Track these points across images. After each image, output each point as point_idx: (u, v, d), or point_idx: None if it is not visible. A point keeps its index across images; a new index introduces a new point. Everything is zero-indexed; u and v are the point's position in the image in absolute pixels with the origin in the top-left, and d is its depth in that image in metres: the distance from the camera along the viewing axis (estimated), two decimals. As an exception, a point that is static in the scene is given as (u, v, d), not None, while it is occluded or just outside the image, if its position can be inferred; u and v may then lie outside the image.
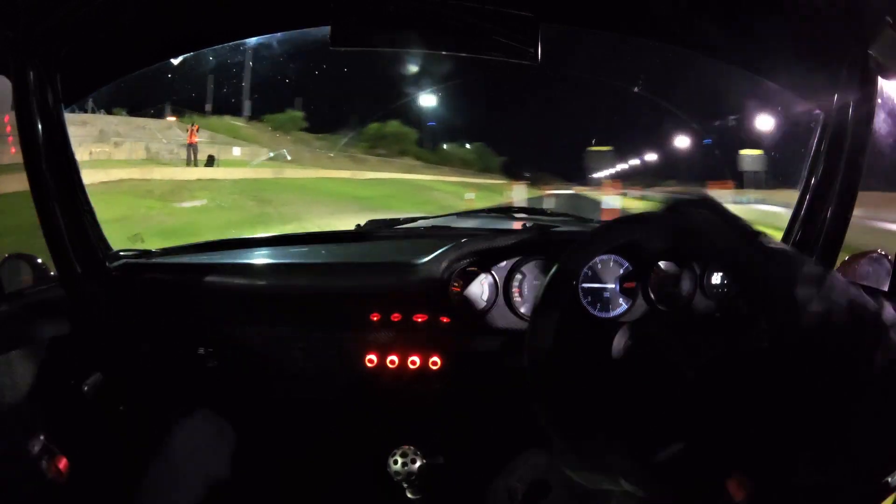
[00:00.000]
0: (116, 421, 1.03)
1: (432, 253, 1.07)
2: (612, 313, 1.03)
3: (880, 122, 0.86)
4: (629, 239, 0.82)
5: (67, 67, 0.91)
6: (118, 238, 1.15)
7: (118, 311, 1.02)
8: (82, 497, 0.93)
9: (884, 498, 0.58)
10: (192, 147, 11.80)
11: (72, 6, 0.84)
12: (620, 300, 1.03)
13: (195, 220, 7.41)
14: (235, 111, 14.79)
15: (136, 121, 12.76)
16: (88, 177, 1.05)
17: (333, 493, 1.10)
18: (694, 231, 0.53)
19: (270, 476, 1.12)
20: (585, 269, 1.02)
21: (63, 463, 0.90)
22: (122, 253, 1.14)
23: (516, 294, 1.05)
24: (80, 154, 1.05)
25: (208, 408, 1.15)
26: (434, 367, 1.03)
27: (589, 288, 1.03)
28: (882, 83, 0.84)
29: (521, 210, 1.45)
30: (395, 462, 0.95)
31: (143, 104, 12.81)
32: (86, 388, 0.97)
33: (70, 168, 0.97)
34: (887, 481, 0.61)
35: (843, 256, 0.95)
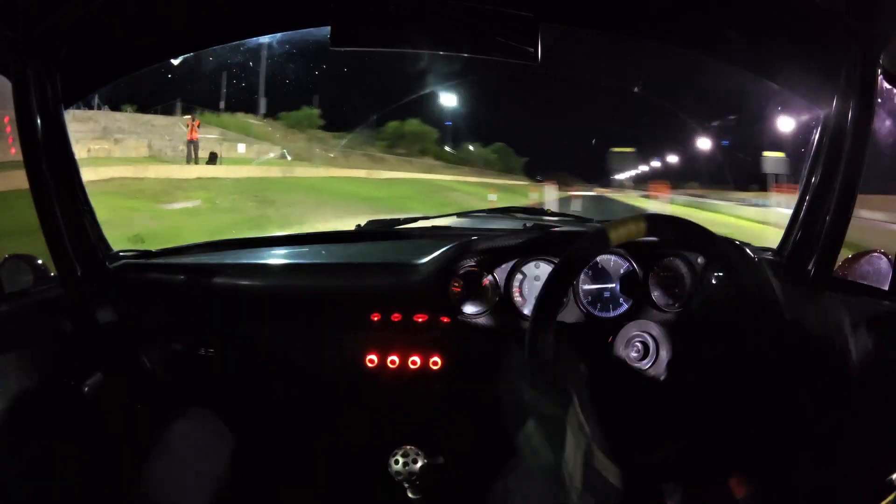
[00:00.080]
0: (116, 421, 1.03)
1: (433, 253, 1.07)
2: (613, 313, 1.03)
3: (880, 122, 0.86)
4: (629, 239, 0.82)
5: (67, 67, 0.91)
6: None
7: (118, 311, 1.02)
8: (82, 497, 0.93)
9: (884, 497, 0.59)
10: (192, 144, 11.32)
11: (72, 6, 0.84)
12: (621, 300, 1.03)
13: (181, 224, 6.87)
14: (250, 108, 14.51)
15: (144, 118, 12.40)
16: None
17: (334, 493, 1.10)
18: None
19: (271, 476, 1.12)
20: (586, 269, 1.02)
21: (63, 463, 0.90)
22: (122, 253, 1.14)
23: (517, 294, 1.05)
24: (78, 151, 1.04)
25: (209, 408, 1.15)
26: (434, 367, 1.03)
27: (589, 288, 1.03)
28: (882, 83, 0.84)
29: (521, 210, 1.45)
30: (396, 462, 0.95)
31: (154, 101, 12.52)
32: (86, 389, 0.97)
33: (70, 168, 0.97)
34: (888, 480, 0.61)
35: (845, 255, 0.95)
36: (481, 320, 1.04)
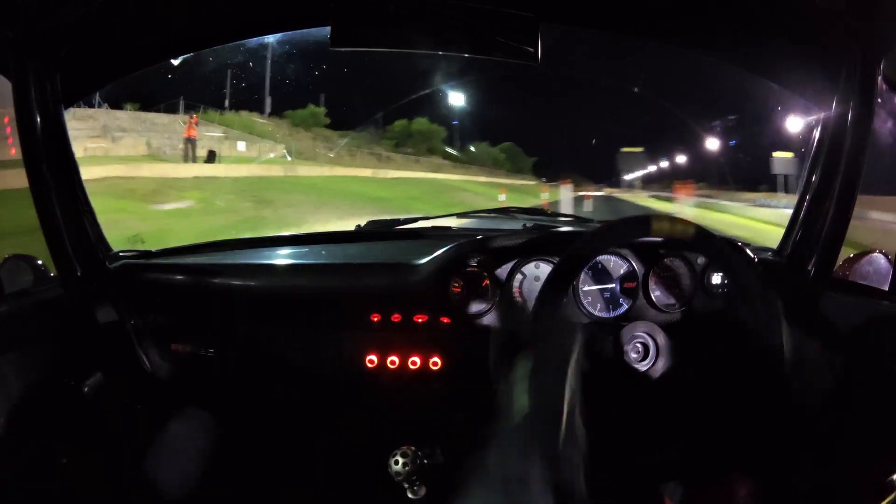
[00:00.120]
0: (116, 421, 1.03)
1: (433, 253, 1.07)
2: (613, 313, 1.03)
3: (880, 122, 0.86)
4: (630, 239, 0.82)
5: (67, 67, 0.91)
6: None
7: (118, 311, 1.02)
8: (82, 497, 0.93)
9: (884, 497, 0.59)
10: (190, 141, 11.00)
11: (72, 6, 0.84)
12: (621, 300, 1.03)
13: (169, 227, 6.52)
14: (255, 107, 14.34)
15: (146, 116, 12.17)
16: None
17: (334, 494, 1.10)
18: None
19: (271, 476, 1.12)
20: (586, 270, 1.02)
21: (63, 463, 0.90)
22: (122, 253, 1.14)
23: (517, 294, 1.05)
24: (75, 150, 1.03)
25: (209, 408, 1.15)
26: (434, 368, 1.03)
27: (589, 288, 1.03)
28: (882, 83, 0.84)
29: (521, 210, 1.45)
30: (396, 462, 0.95)
31: (158, 99, 12.31)
32: (86, 389, 0.97)
33: (70, 168, 0.97)
34: (888, 480, 0.61)
35: (847, 254, 0.95)
36: (481, 321, 1.04)
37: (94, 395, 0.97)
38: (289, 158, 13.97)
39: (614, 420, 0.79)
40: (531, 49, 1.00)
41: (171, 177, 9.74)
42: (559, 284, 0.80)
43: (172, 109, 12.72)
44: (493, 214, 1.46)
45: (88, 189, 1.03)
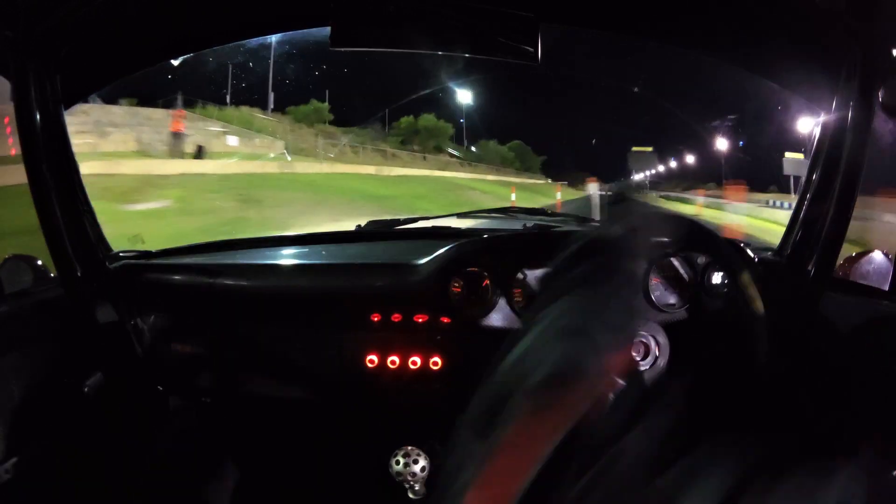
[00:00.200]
0: (116, 421, 1.03)
1: (433, 253, 1.07)
2: None
3: (880, 122, 0.86)
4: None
5: (67, 67, 0.91)
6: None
7: (118, 311, 1.02)
8: (82, 497, 0.93)
9: None
10: (176, 136, 10.39)
11: (72, 6, 0.84)
12: None
13: (133, 230, 5.80)
14: (256, 102, 14.04)
15: (143, 111, 11.63)
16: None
17: (335, 493, 1.10)
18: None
19: (272, 476, 1.12)
20: None
21: (63, 463, 0.90)
22: (122, 254, 1.14)
23: (517, 294, 1.05)
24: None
25: (209, 408, 1.15)
26: (435, 368, 1.03)
27: None
28: (882, 83, 0.84)
29: (521, 210, 1.45)
30: (398, 462, 0.95)
31: (157, 96, 11.96)
32: (86, 389, 0.97)
33: (70, 168, 0.97)
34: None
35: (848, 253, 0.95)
36: (482, 321, 1.04)
37: (94, 395, 0.97)
38: (288, 158, 13.61)
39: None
40: (531, 49, 1.00)
41: (154, 174, 9.07)
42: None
43: (170, 105, 12.29)
44: (493, 214, 1.46)
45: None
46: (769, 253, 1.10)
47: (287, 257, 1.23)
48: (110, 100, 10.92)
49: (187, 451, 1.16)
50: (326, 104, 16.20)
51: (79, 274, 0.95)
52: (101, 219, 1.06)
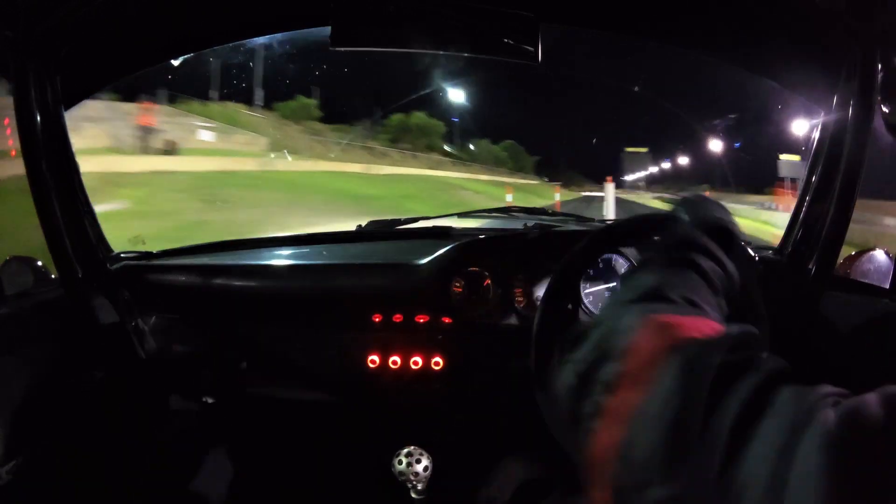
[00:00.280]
0: (116, 421, 1.02)
1: (434, 253, 1.07)
2: None
3: (880, 122, 0.86)
4: (633, 239, 0.82)
5: (67, 67, 0.91)
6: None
7: (119, 312, 1.02)
8: (82, 497, 0.93)
9: None
10: (145, 130, 9.58)
11: (72, 6, 0.84)
12: None
13: None
14: (243, 98, 13.48)
15: (124, 107, 10.81)
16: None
17: (337, 493, 1.10)
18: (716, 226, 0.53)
19: (273, 476, 1.12)
20: (587, 269, 1.02)
21: (63, 463, 0.90)
22: (122, 255, 1.14)
23: (518, 294, 1.05)
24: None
25: (210, 409, 1.15)
26: (436, 368, 1.03)
27: (591, 288, 1.03)
28: (882, 83, 0.84)
29: (522, 210, 1.45)
30: (400, 462, 0.95)
31: (141, 90, 11.07)
32: (87, 389, 0.97)
33: (70, 168, 0.97)
34: None
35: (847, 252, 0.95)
36: (483, 321, 1.04)
37: (94, 395, 0.97)
38: (289, 158, 13.15)
39: None
40: (531, 49, 1.00)
41: (120, 171, 8.22)
42: (564, 283, 0.80)
43: (154, 101, 11.45)
44: (494, 214, 1.46)
45: (8, 187, 1.00)
46: (770, 252, 1.10)
47: (288, 257, 1.23)
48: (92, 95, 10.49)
49: (188, 451, 1.16)
50: (314, 100, 15.70)
51: (79, 275, 0.94)
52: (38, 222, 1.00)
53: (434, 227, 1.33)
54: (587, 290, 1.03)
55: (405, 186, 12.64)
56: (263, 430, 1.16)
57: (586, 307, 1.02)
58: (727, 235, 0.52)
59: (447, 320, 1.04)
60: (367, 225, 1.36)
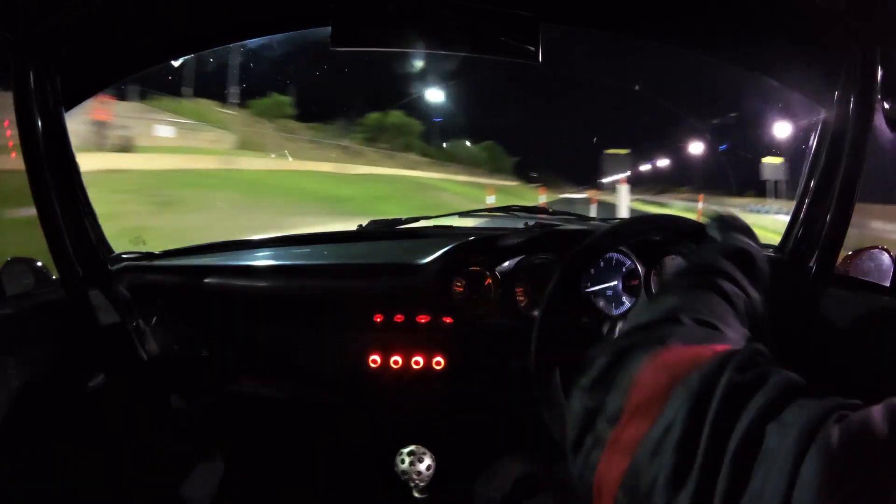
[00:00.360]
0: (116, 421, 1.02)
1: (434, 253, 1.07)
2: (616, 311, 1.03)
3: (880, 122, 0.86)
4: (636, 238, 0.82)
5: (67, 67, 0.91)
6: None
7: (119, 313, 1.02)
8: (82, 497, 0.93)
9: None
10: (100, 126, 8.72)
11: (72, 6, 0.83)
12: (624, 298, 1.03)
13: None
14: (217, 95, 12.70)
15: (90, 102, 10.56)
16: None
17: (339, 493, 1.10)
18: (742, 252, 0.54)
19: (276, 475, 1.12)
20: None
21: (63, 463, 0.90)
22: (123, 255, 1.14)
23: (520, 294, 1.05)
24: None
25: (211, 409, 1.15)
26: (437, 368, 1.03)
27: (593, 286, 1.03)
28: (882, 83, 0.85)
29: (523, 209, 1.45)
30: (403, 461, 0.95)
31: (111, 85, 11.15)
32: (87, 390, 0.96)
33: (70, 169, 0.96)
34: None
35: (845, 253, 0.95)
36: (484, 321, 1.04)
37: (95, 396, 0.97)
38: (289, 158, 12.77)
39: None
40: (531, 49, 1.00)
41: None
42: (567, 282, 0.80)
43: (123, 96, 10.60)
44: (495, 213, 1.46)
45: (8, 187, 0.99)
46: (770, 250, 1.10)
47: (288, 258, 1.23)
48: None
49: (188, 450, 1.16)
50: (287, 98, 14.99)
51: (80, 275, 0.94)
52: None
53: (435, 227, 1.33)
54: (588, 290, 1.03)
55: (379, 187, 12.04)
56: (264, 429, 1.16)
57: (586, 306, 1.02)
58: (750, 261, 0.53)
59: (448, 320, 1.04)
60: (367, 224, 1.36)
